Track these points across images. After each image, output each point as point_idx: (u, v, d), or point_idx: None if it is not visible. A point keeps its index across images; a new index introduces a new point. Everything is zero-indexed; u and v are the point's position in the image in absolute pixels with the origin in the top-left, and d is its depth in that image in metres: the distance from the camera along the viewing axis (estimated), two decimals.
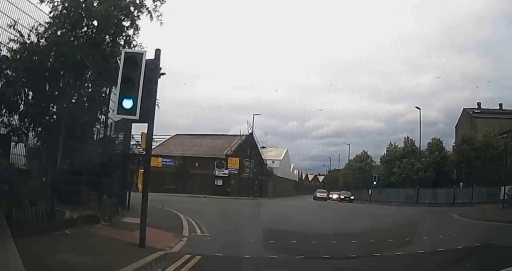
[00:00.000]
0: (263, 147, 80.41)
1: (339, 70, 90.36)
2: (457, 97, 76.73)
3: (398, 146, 52.87)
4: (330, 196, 54.11)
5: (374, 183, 51.79)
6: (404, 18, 67.02)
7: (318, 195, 52.87)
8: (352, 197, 50.35)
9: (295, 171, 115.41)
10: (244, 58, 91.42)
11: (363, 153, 64.58)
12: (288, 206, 32.73)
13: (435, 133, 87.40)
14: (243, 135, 51.33)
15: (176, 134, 60.59)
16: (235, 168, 46.81)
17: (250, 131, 51.90)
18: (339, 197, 51.18)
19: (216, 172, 46.39)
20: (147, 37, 11.75)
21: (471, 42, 73.63)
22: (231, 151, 47.86)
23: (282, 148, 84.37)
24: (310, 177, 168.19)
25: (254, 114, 51.78)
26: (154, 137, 8.84)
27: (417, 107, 47.19)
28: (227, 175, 46.38)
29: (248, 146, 52.73)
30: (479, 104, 50.62)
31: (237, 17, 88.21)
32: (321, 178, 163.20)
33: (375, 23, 78.85)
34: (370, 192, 51.71)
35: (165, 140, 59.17)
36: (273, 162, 74.31)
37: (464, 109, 50.49)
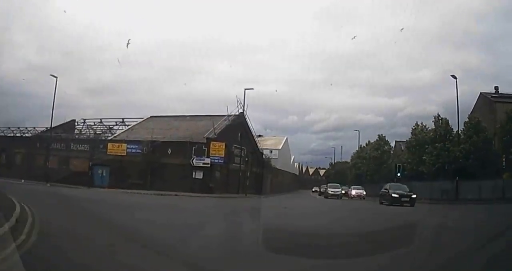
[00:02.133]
0: (260, 135, 69.93)
1: (338, 65, 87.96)
2: (455, 91, 70.10)
3: (427, 127, 41.86)
4: (350, 192, 42.22)
5: (398, 175, 40.78)
6: (403, 12, 60.54)
7: (331, 191, 40.68)
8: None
9: (295, 164, 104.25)
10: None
11: (380, 138, 53.45)
12: (300, 213, 20.32)
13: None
14: (231, 115, 40.16)
15: (151, 117, 49.50)
16: (220, 156, 35.67)
17: (241, 110, 40.80)
18: (361, 195, 40.24)
19: (195, 161, 35.21)
20: None
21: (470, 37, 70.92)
22: (215, 133, 36.77)
23: (281, 137, 73.37)
24: (311, 171, 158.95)
25: (245, 89, 40.66)
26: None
27: (453, 76, 36.01)
28: (209, 165, 35.23)
29: (238, 129, 41.54)
30: (496, 88, 44.67)
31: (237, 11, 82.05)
32: (322, 172, 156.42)
33: (374, 17, 73.40)
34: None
35: (136, 123, 48.15)
36: (271, 152, 63.30)
37: (481, 93, 42.90)
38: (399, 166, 41.57)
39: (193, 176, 35.02)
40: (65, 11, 79.25)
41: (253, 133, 45.62)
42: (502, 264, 5.82)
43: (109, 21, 76.90)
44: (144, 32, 77.71)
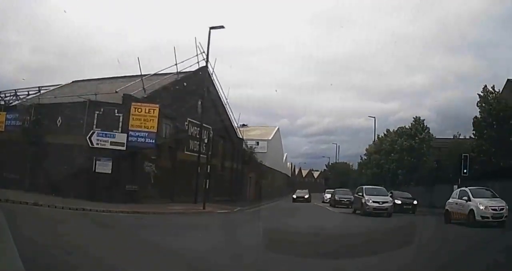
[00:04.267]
0: (244, 125, 52.75)
1: (331, 69, 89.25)
2: (449, 96, 74.99)
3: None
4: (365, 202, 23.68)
5: (465, 171, 24.07)
6: (397, 17, 59.48)
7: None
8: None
9: (288, 163, 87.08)
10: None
11: (415, 121, 36.56)
12: None
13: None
14: (180, 74, 23.07)
15: (73, 82, 32.16)
16: (149, 130, 18.26)
17: (204, 60, 23.64)
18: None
19: (95, 139, 17.89)
20: None
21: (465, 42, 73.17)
22: (145, 91, 19.77)
23: (271, 126, 56.37)
24: (304, 173, 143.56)
25: (210, 28, 23.36)
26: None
27: None
28: (124, 147, 17.95)
29: (196, 93, 24.34)
30: None
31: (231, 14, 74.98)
32: (316, 174, 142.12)
33: (368, 22, 71.94)
34: (456, 189, 24.04)
35: (50, 90, 30.68)
36: (257, 144, 46.41)
37: (508, 80, 31.66)
38: (466, 156, 24.77)
39: (94, 168, 17.85)
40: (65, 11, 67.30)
41: (226, 104, 28.40)
42: None
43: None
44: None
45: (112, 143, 17.80)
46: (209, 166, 20.84)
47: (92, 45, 68.32)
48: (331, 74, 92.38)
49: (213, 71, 25.45)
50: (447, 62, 71.65)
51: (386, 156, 37.57)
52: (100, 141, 17.90)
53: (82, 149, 18.29)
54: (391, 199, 20.90)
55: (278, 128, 55.62)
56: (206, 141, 22.01)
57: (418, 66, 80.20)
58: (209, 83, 25.24)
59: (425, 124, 36.10)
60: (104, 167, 17.86)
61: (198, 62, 23.77)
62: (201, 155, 22.26)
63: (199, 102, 24.41)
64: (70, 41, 69.29)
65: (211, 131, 25.96)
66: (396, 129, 39.09)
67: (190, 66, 23.62)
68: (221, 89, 27.32)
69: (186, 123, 23.35)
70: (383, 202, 19.91)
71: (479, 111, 26.51)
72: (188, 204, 20.42)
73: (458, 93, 75.94)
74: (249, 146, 36.89)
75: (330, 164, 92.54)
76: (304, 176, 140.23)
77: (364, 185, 29.37)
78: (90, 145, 17.92)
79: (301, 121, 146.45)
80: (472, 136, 29.75)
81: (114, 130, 18.23)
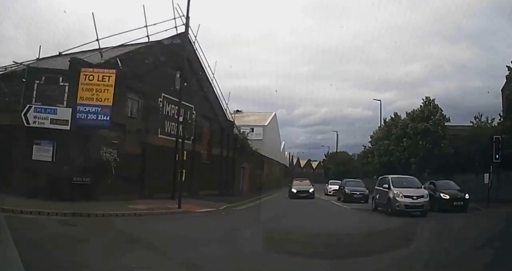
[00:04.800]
0: (238, 111, 48.89)
1: (327, 59, 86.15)
2: (446, 86, 70.92)
3: None
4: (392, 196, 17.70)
5: (497, 156, 19.90)
6: (393, 6, 55.56)
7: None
8: None
9: (285, 152, 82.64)
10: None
11: (426, 103, 32.13)
12: None
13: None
14: (153, 41, 18.52)
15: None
16: (102, 104, 13.77)
17: (183, 25, 19.01)
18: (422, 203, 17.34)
19: (31, 116, 13.40)
20: None
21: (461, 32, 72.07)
22: (101, 56, 15.28)
23: (267, 112, 51.84)
24: (302, 163, 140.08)
25: None
26: None
27: None
28: (68, 127, 13.53)
29: (173, 65, 19.73)
30: None
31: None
32: (314, 164, 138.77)
33: (364, 11, 68.62)
34: (488, 181, 19.77)
35: None
36: (252, 131, 42.10)
37: None
38: (497, 139, 20.57)
39: (32, 155, 13.43)
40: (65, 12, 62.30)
41: (212, 79, 23.80)
42: None
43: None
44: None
45: (53, 121, 13.30)
46: (185, 152, 16.33)
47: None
48: (328, 64, 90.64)
49: (195, 39, 20.88)
50: (444, 51, 70.11)
51: (397, 141, 33.24)
52: (38, 118, 13.40)
53: (20, 130, 13.82)
54: (426, 192, 16.14)
55: (275, 115, 51.14)
56: (181, 119, 17.41)
57: (415, 55, 79.61)
58: (191, 53, 20.63)
59: (437, 105, 31.84)
60: (43, 152, 13.40)
61: (176, 27, 19.22)
62: (180, 140, 17.77)
63: (176, 75, 19.83)
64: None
65: (194, 111, 21.47)
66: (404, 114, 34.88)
67: (166, 30, 19.09)
68: (206, 62, 22.75)
69: (160, 99, 18.82)
70: (418, 197, 15.32)
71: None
72: (163, 201, 16.06)
73: (455, 83, 73.95)
74: (240, 130, 32.42)
75: (329, 153, 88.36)
76: (302, 166, 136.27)
77: (377, 175, 25.06)
78: (26, 124, 13.42)
79: (298, 112, 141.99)
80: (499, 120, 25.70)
81: (58, 105, 13.71)
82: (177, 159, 17.18)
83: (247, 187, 31.29)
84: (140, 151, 17.39)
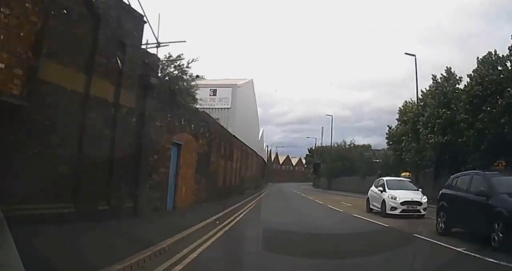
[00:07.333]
0: (198, 76, 31.25)
1: (306, 58, 75.15)
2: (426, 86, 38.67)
3: None
4: None
5: None
6: (375, 7, 34.96)
7: None
8: None
9: (264, 144, 66.07)
10: None
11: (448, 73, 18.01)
12: None
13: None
14: None
15: None
16: None
17: None
18: None
19: None
20: None
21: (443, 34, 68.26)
22: None
23: (240, 79, 35.10)
24: (281, 159, 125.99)
25: None
26: None
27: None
28: None
29: None
30: None
31: None
32: (294, 161, 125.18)
33: (346, 11, 48.39)
34: None
35: None
36: (214, 94, 25.77)
37: None
38: None
39: None
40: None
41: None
42: None
43: None
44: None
45: None
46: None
47: None
48: (306, 63, 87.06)
49: None
50: (424, 52, 65.95)
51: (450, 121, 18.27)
52: None
53: None
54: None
55: (252, 81, 34.41)
56: None
57: (394, 55, 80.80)
58: None
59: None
60: None
61: None
62: None
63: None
64: None
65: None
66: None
67: None
68: None
69: None
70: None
71: None
72: None
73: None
74: (188, 76, 15.40)
75: (319, 146, 70.41)
76: (281, 162, 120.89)
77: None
78: None
79: (274, 110, 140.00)
80: None
81: None
82: None
83: (190, 192, 14.41)
84: None
